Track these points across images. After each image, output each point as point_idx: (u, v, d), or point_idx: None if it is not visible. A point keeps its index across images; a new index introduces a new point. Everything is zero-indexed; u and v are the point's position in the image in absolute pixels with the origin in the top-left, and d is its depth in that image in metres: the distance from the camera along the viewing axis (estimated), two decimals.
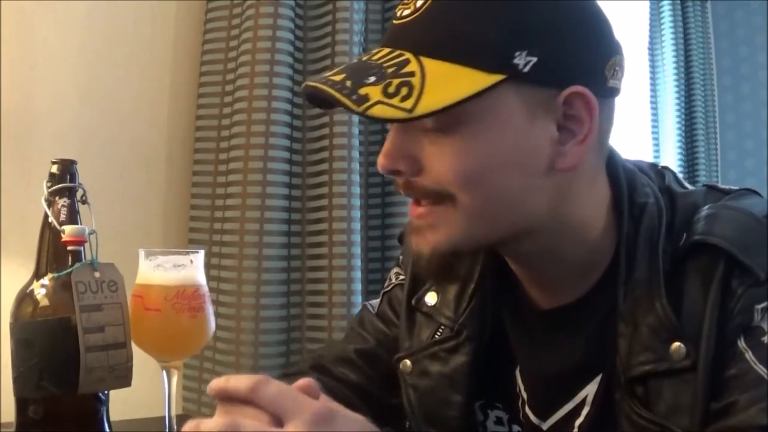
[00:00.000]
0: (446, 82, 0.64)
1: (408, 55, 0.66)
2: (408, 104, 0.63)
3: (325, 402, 0.60)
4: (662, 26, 2.46)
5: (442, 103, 0.63)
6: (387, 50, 0.68)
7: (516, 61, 0.64)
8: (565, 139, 0.68)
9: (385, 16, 1.68)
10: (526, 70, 0.65)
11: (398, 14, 0.70)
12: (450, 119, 0.66)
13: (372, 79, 0.65)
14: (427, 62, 0.65)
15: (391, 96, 0.64)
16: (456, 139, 0.67)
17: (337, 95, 0.65)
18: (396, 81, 0.65)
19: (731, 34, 2.81)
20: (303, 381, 0.61)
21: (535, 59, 0.65)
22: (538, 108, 0.67)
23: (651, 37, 2.49)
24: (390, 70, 0.66)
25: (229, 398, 0.60)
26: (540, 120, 0.67)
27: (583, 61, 0.68)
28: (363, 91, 0.65)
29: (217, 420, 0.58)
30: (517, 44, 0.65)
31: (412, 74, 0.65)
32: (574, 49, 0.67)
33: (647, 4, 2.47)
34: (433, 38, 0.66)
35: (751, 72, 2.79)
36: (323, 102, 0.69)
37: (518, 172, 0.68)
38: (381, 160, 0.70)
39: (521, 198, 0.69)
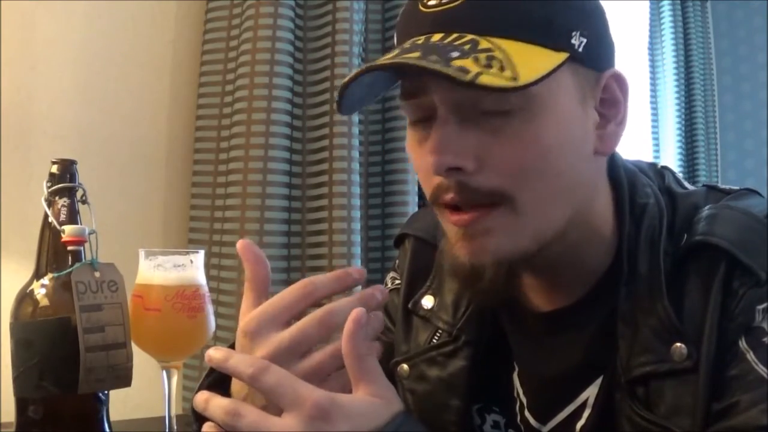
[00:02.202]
0: (526, 57, 0.61)
1: (472, 36, 0.62)
2: (509, 74, 0.59)
3: (324, 394, 0.58)
4: (662, 26, 2.46)
5: (538, 74, 0.60)
6: (441, 34, 0.63)
7: (573, 41, 0.65)
8: (604, 123, 0.69)
9: (385, 16, 1.68)
10: (581, 50, 0.65)
11: (432, 2, 0.65)
12: (517, 104, 0.63)
13: (456, 54, 0.60)
14: (497, 41, 0.62)
15: (486, 67, 0.59)
16: (519, 127, 0.63)
17: (437, 67, 0.59)
18: (482, 55, 0.60)
19: (731, 34, 2.81)
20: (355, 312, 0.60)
21: (585, 40, 0.65)
22: (587, 90, 0.67)
23: (651, 37, 2.49)
24: (467, 47, 0.61)
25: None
26: (588, 103, 0.68)
27: (611, 46, 0.70)
28: (456, 63, 0.59)
29: (221, 405, 0.59)
30: (573, 24, 0.65)
31: (490, 50, 0.61)
32: (606, 34, 0.69)
33: (647, 4, 2.47)
34: (495, 18, 0.63)
35: (751, 72, 2.79)
36: (360, 99, 0.67)
37: (573, 159, 0.67)
38: (438, 159, 0.63)
39: (572, 187, 0.68)
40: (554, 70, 0.62)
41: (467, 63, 0.59)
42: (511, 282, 0.73)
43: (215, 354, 0.61)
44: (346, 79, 0.64)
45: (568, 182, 0.67)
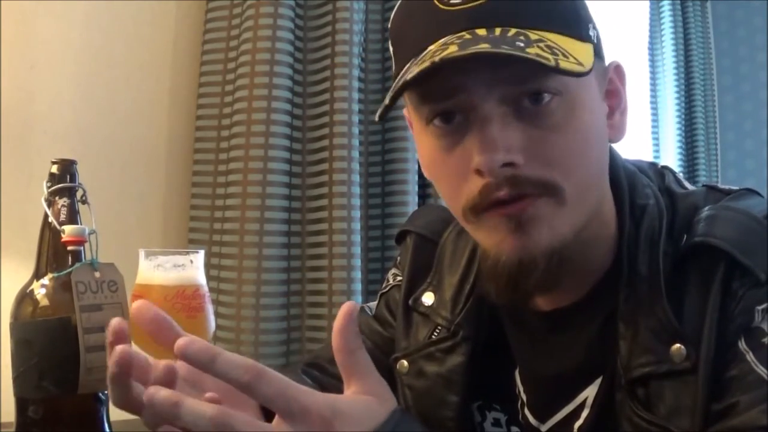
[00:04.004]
0: (571, 48, 0.62)
1: (516, 29, 0.62)
2: (573, 60, 0.60)
3: (324, 402, 0.55)
4: (662, 26, 2.47)
5: (590, 61, 0.62)
6: (484, 29, 0.62)
7: (590, 32, 0.67)
8: (610, 113, 0.72)
9: (385, 16, 1.68)
10: (596, 42, 0.68)
11: (459, 0, 0.64)
12: (559, 90, 0.64)
13: (521, 44, 0.60)
14: (540, 33, 0.62)
15: (554, 55, 0.59)
16: (560, 117, 0.64)
17: (523, 54, 0.58)
18: (541, 44, 0.60)
19: (731, 34, 2.81)
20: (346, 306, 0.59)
21: (597, 32, 0.68)
22: (601, 81, 0.70)
23: (651, 37, 2.49)
24: (522, 38, 0.61)
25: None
26: (601, 93, 0.71)
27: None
28: (530, 50, 0.59)
29: (207, 411, 0.51)
30: (587, 17, 0.68)
31: (542, 40, 0.61)
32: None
33: (647, 4, 2.47)
34: (529, 12, 0.63)
35: (751, 72, 2.79)
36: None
37: (602, 147, 0.70)
38: (490, 156, 0.62)
39: (601, 175, 0.71)
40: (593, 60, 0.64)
41: (539, 51, 0.59)
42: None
43: (198, 350, 0.52)
44: (415, 73, 0.61)
45: (599, 170, 0.70)
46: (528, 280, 0.66)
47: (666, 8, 2.45)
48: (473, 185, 0.65)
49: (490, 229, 0.67)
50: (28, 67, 1.40)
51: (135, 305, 0.61)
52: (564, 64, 0.59)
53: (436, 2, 0.65)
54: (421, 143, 0.72)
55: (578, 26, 0.66)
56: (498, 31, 0.62)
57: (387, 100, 0.64)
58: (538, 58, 0.58)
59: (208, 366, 0.52)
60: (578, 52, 0.62)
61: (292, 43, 1.53)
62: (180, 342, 0.53)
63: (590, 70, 0.61)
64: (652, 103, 2.48)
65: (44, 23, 1.42)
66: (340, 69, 1.53)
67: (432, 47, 0.63)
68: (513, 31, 0.62)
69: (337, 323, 0.60)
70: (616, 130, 0.72)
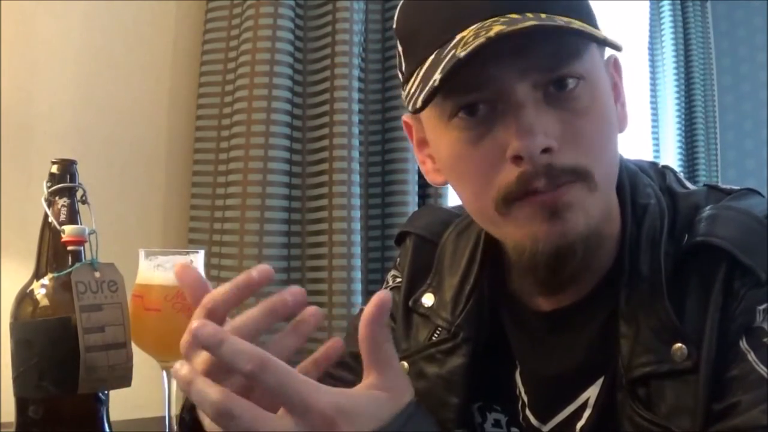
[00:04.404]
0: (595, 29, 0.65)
1: (546, 15, 0.62)
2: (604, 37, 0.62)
3: (328, 401, 0.54)
4: (662, 26, 2.46)
5: (618, 40, 0.63)
6: (515, 15, 0.62)
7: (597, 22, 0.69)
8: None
9: (385, 16, 1.68)
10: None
11: None
12: (586, 75, 0.65)
13: (561, 21, 0.61)
14: (566, 19, 0.63)
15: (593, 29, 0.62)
16: (587, 103, 0.66)
17: (572, 27, 0.60)
18: (576, 22, 0.62)
19: (731, 34, 2.81)
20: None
21: (600, 26, 0.69)
22: (607, 71, 0.72)
23: (651, 37, 2.49)
24: (556, 18, 0.61)
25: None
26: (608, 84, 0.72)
27: None
28: (575, 25, 0.61)
29: (212, 395, 0.51)
30: (593, 10, 0.69)
31: (572, 22, 0.62)
32: None
33: (647, 4, 2.47)
34: (553, 2, 0.64)
35: (751, 72, 2.79)
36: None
37: (616, 136, 0.71)
38: (530, 141, 0.62)
39: (618, 163, 0.72)
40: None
41: (581, 25, 0.62)
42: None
43: (207, 334, 0.52)
44: (472, 47, 0.59)
45: (617, 156, 0.71)
46: (566, 267, 0.67)
47: (666, 8, 2.45)
48: (509, 174, 0.64)
49: (524, 220, 0.66)
50: (28, 67, 1.40)
51: (179, 266, 0.62)
52: (602, 35, 0.62)
53: None
54: (441, 141, 0.70)
55: (591, 17, 0.68)
56: (530, 15, 0.61)
57: (437, 82, 0.61)
58: (588, 30, 0.61)
59: (215, 351, 0.52)
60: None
61: (292, 43, 1.53)
62: (193, 324, 0.53)
63: (619, 49, 0.63)
64: (652, 103, 2.48)
65: (44, 23, 1.42)
66: (340, 69, 1.53)
67: (464, 33, 0.62)
68: (543, 15, 0.62)
69: (367, 312, 0.58)
70: (621, 121, 0.73)
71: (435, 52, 0.64)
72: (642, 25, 2.47)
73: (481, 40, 0.59)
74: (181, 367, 0.55)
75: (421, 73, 0.65)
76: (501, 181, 0.65)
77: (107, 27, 1.49)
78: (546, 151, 0.62)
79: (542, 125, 0.63)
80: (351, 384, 0.89)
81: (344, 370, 0.91)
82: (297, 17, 1.56)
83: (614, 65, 0.74)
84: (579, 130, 0.65)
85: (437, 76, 0.61)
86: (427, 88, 0.62)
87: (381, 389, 0.59)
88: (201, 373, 0.54)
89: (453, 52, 0.61)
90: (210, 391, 0.52)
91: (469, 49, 0.59)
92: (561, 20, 0.62)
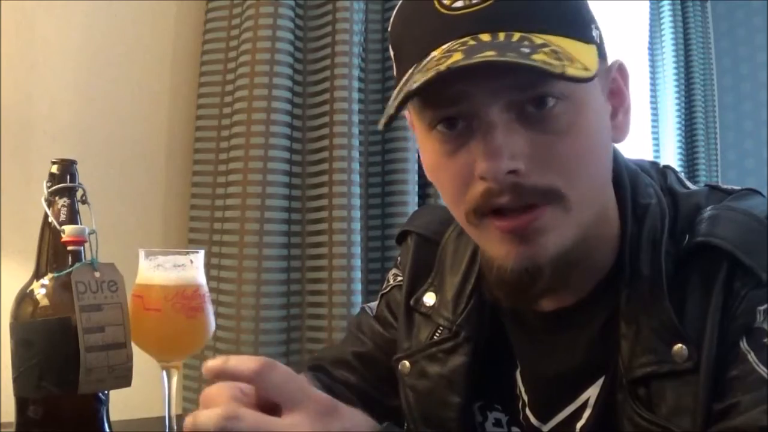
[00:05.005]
0: (576, 50, 0.62)
1: (521, 33, 0.61)
2: (580, 65, 0.59)
3: (333, 399, 0.60)
4: (662, 26, 2.46)
5: (595, 63, 0.61)
6: (487, 35, 0.61)
7: (593, 33, 0.67)
8: (614, 113, 0.71)
9: (385, 16, 1.68)
10: (599, 42, 0.67)
11: (458, 4, 0.63)
12: (566, 94, 0.63)
13: (527, 50, 0.59)
14: (544, 36, 0.61)
15: (560, 60, 0.59)
16: (565, 121, 0.64)
17: (525, 62, 0.58)
18: (546, 49, 0.59)
19: (731, 34, 2.81)
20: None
21: (599, 32, 0.68)
22: (604, 81, 0.70)
23: (651, 37, 2.49)
24: (526, 43, 0.60)
25: (229, 379, 0.58)
26: (604, 93, 0.70)
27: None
28: (536, 57, 0.58)
29: (215, 411, 0.55)
30: (590, 18, 0.67)
31: (547, 45, 0.60)
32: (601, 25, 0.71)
33: (647, 4, 2.47)
34: (533, 15, 0.63)
35: (751, 72, 2.79)
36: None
37: (605, 149, 0.69)
38: (495, 164, 0.62)
39: (606, 178, 0.71)
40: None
41: (544, 57, 0.58)
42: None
43: (210, 363, 0.58)
44: (420, 82, 0.60)
45: (603, 172, 0.70)
46: (534, 287, 0.66)
47: (666, 8, 2.45)
48: (477, 189, 0.65)
49: (494, 241, 0.67)
50: (28, 67, 1.40)
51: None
52: (570, 71, 0.58)
53: (438, 6, 0.64)
54: (424, 147, 0.72)
55: (582, 27, 0.65)
56: (502, 35, 0.61)
57: (392, 110, 0.63)
58: (544, 66, 0.58)
59: (223, 369, 0.57)
60: (583, 55, 0.62)
61: (292, 43, 1.53)
62: (205, 365, 0.59)
63: (596, 75, 0.61)
64: (652, 103, 2.48)
65: (44, 23, 1.42)
66: (340, 69, 1.53)
67: (435, 53, 0.62)
68: (517, 35, 0.61)
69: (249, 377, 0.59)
70: (620, 130, 0.72)
71: (413, 67, 0.65)
72: (642, 25, 2.46)
73: (431, 74, 0.59)
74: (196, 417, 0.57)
75: (399, 87, 0.66)
76: (470, 195, 0.66)
77: (107, 27, 1.49)
78: (512, 172, 0.63)
79: (510, 147, 0.62)
80: (352, 385, 0.90)
81: (345, 370, 0.91)
82: (297, 17, 1.56)
83: (619, 70, 0.72)
84: (553, 151, 0.64)
85: (390, 107, 0.63)
86: (384, 114, 0.64)
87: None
88: None
89: (415, 75, 0.62)
90: (213, 410, 0.56)
91: (419, 82, 0.60)
92: (527, 45, 0.59)
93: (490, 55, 0.58)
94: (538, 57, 0.58)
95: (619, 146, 0.77)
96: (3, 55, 1.36)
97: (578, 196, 0.65)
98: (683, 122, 2.44)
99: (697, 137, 2.48)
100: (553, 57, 0.59)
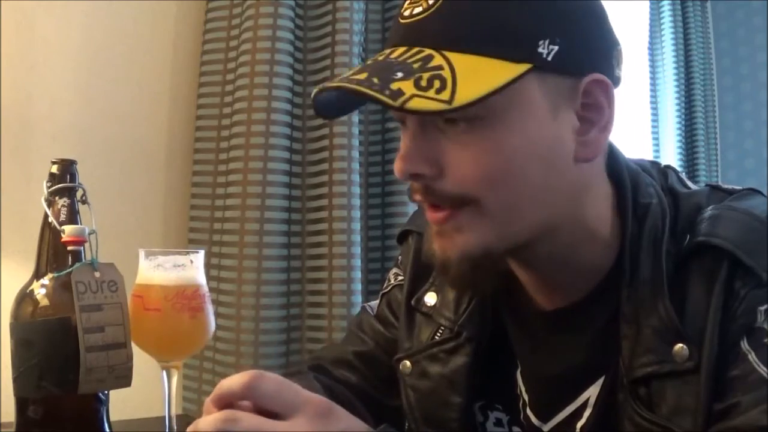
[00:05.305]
0: (476, 73, 0.62)
1: (429, 51, 0.64)
2: (445, 96, 0.61)
3: (329, 400, 0.61)
4: (662, 26, 2.46)
5: (479, 93, 0.61)
6: (403, 49, 0.66)
7: (540, 50, 0.64)
8: (585, 129, 0.68)
9: (385, 16, 1.68)
10: (549, 59, 0.64)
11: (406, 13, 0.67)
12: (476, 114, 0.64)
13: (400, 74, 0.63)
14: (452, 56, 0.63)
15: (424, 89, 0.61)
16: (480, 136, 0.65)
17: (369, 91, 0.62)
18: (426, 75, 0.62)
19: (731, 34, 2.81)
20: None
21: (556, 48, 0.64)
22: (560, 98, 0.67)
23: (651, 37, 2.48)
24: (416, 66, 0.63)
25: (226, 402, 0.60)
26: (562, 110, 0.67)
27: (598, 50, 0.69)
28: (395, 86, 0.62)
29: (215, 416, 0.58)
30: (540, 33, 0.64)
31: (440, 68, 0.63)
32: (590, 38, 0.68)
33: (647, 4, 2.47)
34: (454, 32, 0.64)
35: (751, 72, 2.79)
36: (340, 108, 0.70)
37: (542, 167, 0.67)
38: (400, 165, 0.67)
39: (545, 194, 0.68)
40: (503, 87, 0.62)
41: (404, 85, 0.62)
42: (484, 277, 0.72)
43: (208, 399, 0.61)
44: (312, 94, 0.68)
45: (537, 189, 0.67)
46: (446, 277, 0.72)
47: (666, 8, 2.45)
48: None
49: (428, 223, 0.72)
50: (28, 67, 1.40)
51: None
52: (414, 103, 0.61)
53: (401, 12, 0.68)
54: None
55: (512, 45, 0.64)
56: (412, 51, 0.65)
57: (309, 99, 0.72)
58: (384, 98, 0.61)
59: (219, 396, 0.60)
60: (480, 79, 0.62)
61: (292, 43, 1.53)
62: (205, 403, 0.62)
63: (466, 105, 0.61)
64: (652, 103, 2.48)
65: (44, 23, 1.42)
66: (340, 69, 1.53)
67: (357, 68, 0.68)
68: (424, 53, 0.64)
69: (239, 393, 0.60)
70: (589, 147, 0.69)
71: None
72: (642, 25, 2.46)
73: (327, 85, 0.66)
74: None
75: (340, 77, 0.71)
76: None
77: (107, 27, 1.49)
78: (418, 176, 0.67)
79: (420, 152, 0.67)
80: (353, 385, 0.90)
81: (346, 370, 0.91)
82: (297, 17, 1.56)
83: (600, 86, 0.68)
84: (460, 162, 0.66)
85: (314, 92, 0.69)
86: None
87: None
88: None
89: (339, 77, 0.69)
90: (213, 415, 0.58)
91: (318, 88, 0.67)
92: (414, 68, 0.63)
93: (358, 78, 0.64)
94: (397, 85, 0.61)
95: (618, 146, 0.77)
96: (3, 55, 1.36)
97: (496, 205, 0.66)
98: (683, 122, 2.44)
99: (697, 137, 2.48)
100: (418, 86, 0.61)
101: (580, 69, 0.67)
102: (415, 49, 0.65)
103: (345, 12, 1.54)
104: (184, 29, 1.60)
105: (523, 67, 0.63)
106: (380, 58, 0.67)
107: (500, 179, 0.66)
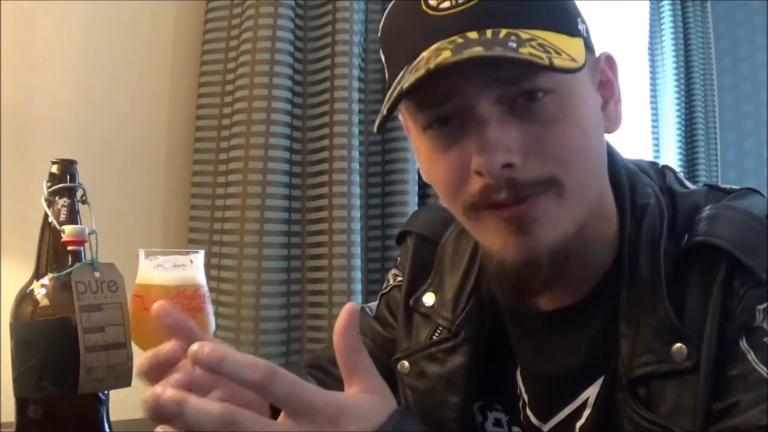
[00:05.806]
0: (563, 44, 0.63)
1: (507, 30, 0.62)
2: (566, 57, 0.60)
3: (331, 400, 0.56)
4: (662, 26, 2.46)
5: (583, 56, 0.63)
6: (475, 32, 0.62)
7: (580, 27, 0.68)
8: (604, 104, 0.72)
9: None
10: (585, 35, 0.68)
11: (447, 4, 0.64)
12: (556, 87, 0.64)
13: (513, 44, 0.60)
14: (531, 32, 0.62)
15: (547, 53, 0.60)
16: (561, 110, 0.65)
17: (512, 55, 0.59)
18: (533, 43, 0.60)
19: (731, 34, 2.81)
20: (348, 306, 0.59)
21: (586, 26, 0.69)
22: (593, 73, 0.71)
23: (651, 37, 2.49)
24: (514, 38, 0.61)
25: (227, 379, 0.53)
26: (594, 85, 0.71)
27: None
28: (524, 51, 0.59)
29: (212, 415, 0.51)
30: (576, 10, 0.69)
31: (535, 39, 0.61)
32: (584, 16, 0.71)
33: (647, 4, 2.47)
34: (519, 12, 0.63)
35: (751, 72, 2.79)
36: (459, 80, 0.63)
37: (600, 140, 0.70)
38: (491, 157, 0.62)
39: (600, 168, 0.71)
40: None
41: (531, 50, 0.59)
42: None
43: (206, 353, 0.52)
44: (411, 81, 0.61)
45: (597, 161, 0.70)
46: (535, 280, 0.67)
47: (666, 8, 2.45)
48: (473, 185, 0.66)
49: (492, 231, 0.68)
50: (28, 68, 1.40)
51: (155, 309, 0.62)
52: (558, 62, 0.60)
53: (425, 8, 0.65)
54: (419, 148, 0.73)
55: (568, 22, 0.66)
56: (489, 33, 0.62)
57: (384, 111, 0.65)
58: (531, 58, 0.59)
59: (216, 368, 0.52)
60: (570, 48, 0.63)
61: (292, 43, 1.53)
62: (191, 348, 0.52)
63: (584, 65, 0.62)
64: (652, 103, 2.48)
65: (44, 23, 1.42)
66: (340, 69, 1.53)
67: (425, 54, 0.63)
68: (504, 31, 0.62)
69: (338, 323, 0.60)
70: (612, 121, 0.73)
71: (404, 69, 0.66)
72: (642, 25, 2.47)
73: (421, 72, 0.60)
74: (164, 390, 0.52)
75: (391, 89, 0.67)
76: (467, 190, 0.67)
77: (107, 27, 1.49)
78: (508, 166, 0.63)
79: (504, 140, 0.63)
80: None
81: None
82: (297, 17, 1.56)
83: (607, 62, 0.73)
84: (546, 140, 0.64)
85: (384, 108, 0.64)
86: (378, 117, 0.66)
87: (371, 393, 0.60)
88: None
89: (406, 75, 0.63)
90: (209, 407, 0.51)
91: (410, 81, 0.61)
92: (514, 40, 0.60)
93: (478, 50, 0.59)
94: (525, 50, 0.59)
95: (618, 146, 0.77)
96: (3, 55, 1.36)
97: (573, 183, 0.66)
98: (683, 122, 2.45)
99: (697, 137, 2.48)
100: (541, 50, 0.60)
101: (594, 46, 0.71)
102: (489, 30, 0.62)
103: (345, 12, 1.54)
104: (184, 29, 1.60)
105: (581, 41, 0.66)
106: (460, 40, 0.61)
107: (579, 151, 0.66)
